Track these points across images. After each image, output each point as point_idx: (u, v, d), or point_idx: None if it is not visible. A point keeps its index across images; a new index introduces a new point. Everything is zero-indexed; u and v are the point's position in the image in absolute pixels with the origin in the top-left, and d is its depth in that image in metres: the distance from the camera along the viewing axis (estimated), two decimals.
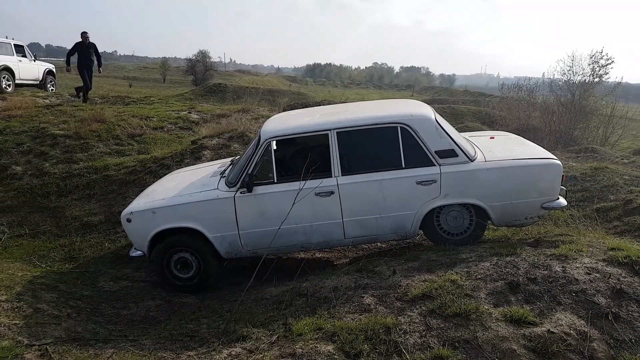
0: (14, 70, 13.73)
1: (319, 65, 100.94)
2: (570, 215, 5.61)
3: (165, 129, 9.58)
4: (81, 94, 12.56)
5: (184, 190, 4.65)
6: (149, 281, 4.89)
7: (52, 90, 15.48)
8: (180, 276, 4.58)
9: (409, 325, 2.90)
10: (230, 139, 8.06)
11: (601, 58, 15.13)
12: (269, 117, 5.25)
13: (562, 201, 4.36)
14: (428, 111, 4.48)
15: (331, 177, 4.29)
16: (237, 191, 4.34)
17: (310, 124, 4.45)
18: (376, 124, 4.29)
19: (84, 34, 11.64)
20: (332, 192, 4.27)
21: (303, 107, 12.25)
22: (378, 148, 4.33)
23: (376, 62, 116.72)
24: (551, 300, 3.05)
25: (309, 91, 37.77)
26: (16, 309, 3.79)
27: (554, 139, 13.97)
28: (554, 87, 16.35)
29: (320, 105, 7.33)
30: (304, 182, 4.16)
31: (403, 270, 3.73)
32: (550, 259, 3.52)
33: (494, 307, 3.02)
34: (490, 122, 16.59)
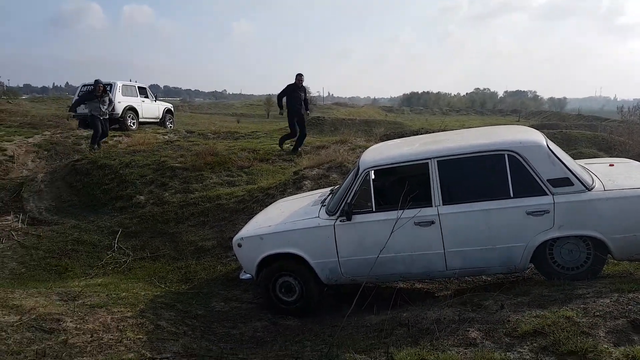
0: (137, 109, 15.28)
1: (415, 93, 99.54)
2: None
3: (270, 161, 10.08)
4: (287, 143, 10.92)
5: (288, 218, 4.86)
6: (256, 303, 5.13)
7: (170, 127, 16.99)
8: (284, 299, 4.75)
9: None
10: (329, 169, 8.28)
11: None
12: (366, 147, 5.35)
13: None
14: (538, 137, 4.29)
15: (432, 206, 4.24)
16: (337, 219, 4.44)
17: (410, 153, 4.47)
18: (481, 152, 4.19)
19: (299, 76, 10.13)
20: (433, 222, 4.20)
21: (399, 137, 12.26)
22: (483, 177, 4.22)
23: (478, 88, 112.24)
24: None
25: (405, 120, 37.57)
26: (140, 325, 4.15)
27: None
28: None
29: (417, 135, 7.28)
30: (402, 211, 4.14)
31: (512, 305, 3.55)
32: None
33: (614, 346, 2.76)
34: (607, 148, 15.26)
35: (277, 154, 10.44)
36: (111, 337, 3.82)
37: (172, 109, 17.89)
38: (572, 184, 3.99)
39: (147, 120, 15.95)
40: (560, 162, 4.05)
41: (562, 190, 3.99)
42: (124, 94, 14.76)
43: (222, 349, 3.97)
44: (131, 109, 14.96)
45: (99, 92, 11.18)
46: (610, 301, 3.25)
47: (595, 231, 3.96)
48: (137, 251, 6.99)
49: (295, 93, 10.05)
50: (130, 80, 16.13)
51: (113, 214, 8.33)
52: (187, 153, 10.33)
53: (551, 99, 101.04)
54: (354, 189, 4.43)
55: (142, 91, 15.94)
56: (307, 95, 10.32)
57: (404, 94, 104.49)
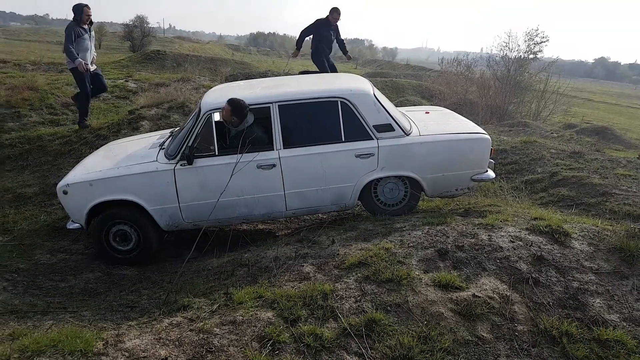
0: None
1: (262, 34, 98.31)
2: (500, 187, 5.96)
3: (102, 98, 9.19)
4: None
5: (122, 162, 4.54)
6: (87, 254, 4.80)
7: None
8: (119, 249, 4.52)
9: (345, 291, 3.05)
10: (170, 110, 7.87)
11: (536, 35, 15.85)
12: (210, 88, 5.17)
13: (491, 174, 4.64)
14: (367, 86, 4.58)
15: (273, 150, 4.33)
16: (177, 163, 4.29)
17: (252, 96, 4.44)
18: (317, 98, 4.35)
19: (334, 12, 8.21)
20: (274, 165, 4.31)
21: (246, 78, 12.07)
22: (319, 122, 4.40)
23: None
24: (477, 267, 3.28)
25: (253, 61, 36.96)
26: None
27: (489, 113, 14.59)
28: (491, 62, 16.99)
29: (264, 78, 7.26)
30: (244, 154, 4.17)
31: (341, 240, 3.88)
32: (478, 228, 3.76)
33: (424, 273, 3.22)
34: (429, 96, 17.02)
35: (109, 90, 9.54)
36: None
37: None
38: (394, 130, 4.40)
39: None
40: (384, 110, 4.42)
41: (385, 135, 4.38)
42: None
43: (48, 303, 3.67)
44: None
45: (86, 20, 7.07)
46: (422, 233, 3.74)
47: (411, 172, 4.46)
48: None
49: (326, 32, 8.27)
50: None
51: None
52: (0, 87, 8.88)
53: (384, 49, 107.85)
54: (196, 132, 4.30)
55: None
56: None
57: (250, 33, 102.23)
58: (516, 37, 16.56)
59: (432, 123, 4.84)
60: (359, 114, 4.34)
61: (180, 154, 4.29)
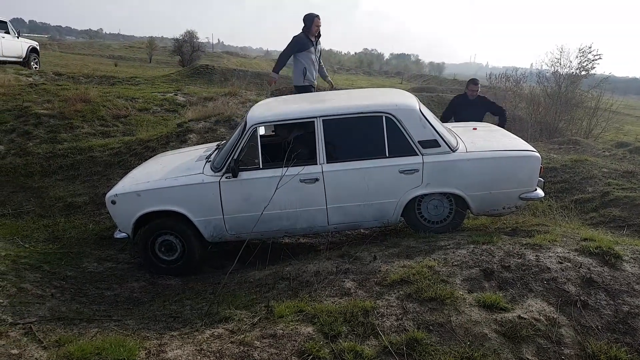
0: None
1: None
2: (549, 206, 5.75)
3: (151, 111, 9.53)
4: None
5: (169, 173, 4.66)
6: (133, 263, 4.93)
7: (35, 68, 15.23)
8: (164, 259, 4.61)
9: (387, 308, 3.00)
10: (217, 123, 8.05)
11: (589, 52, 15.33)
12: (257, 102, 5.26)
13: (540, 192, 4.48)
14: (412, 101, 4.54)
15: (316, 164, 4.34)
16: (222, 176, 4.36)
17: (297, 110, 4.48)
18: (362, 113, 4.34)
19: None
20: (317, 179, 4.32)
21: (291, 92, 12.17)
22: (363, 137, 4.39)
23: (366, 48, 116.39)
24: (523, 287, 3.17)
25: None
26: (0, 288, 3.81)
27: (538, 130, 14.16)
28: (541, 78, 16.51)
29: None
30: (288, 168, 4.20)
31: (383, 256, 3.83)
32: (525, 248, 3.64)
33: (468, 292, 3.13)
34: None
35: (158, 103, 9.88)
36: None
37: (38, 47, 16.02)
38: (439, 146, 4.32)
39: (8, 59, 14.15)
40: (430, 125, 4.36)
41: (431, 151, 4.31)
42: None
43: (94, 311, 3.77)
44: None
45: None
46: (467, 252, 3.65)
47: (457, 189, 4.36)
48: None
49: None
50: None
51: None
52: (55, 98, 9.35)
53: (431, 64, 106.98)
54: (241, 145, 4.37)
55: (2, 25, 14.05)
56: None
57: None
58: (568, 53, 15.96)
59: (480, 139, 4.74)
60: (404, 129, 4.30)
61: (225, 167, 4.36)
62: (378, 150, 4.33)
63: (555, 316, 2.90)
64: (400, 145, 4.31)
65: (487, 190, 4.37)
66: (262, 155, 4.38)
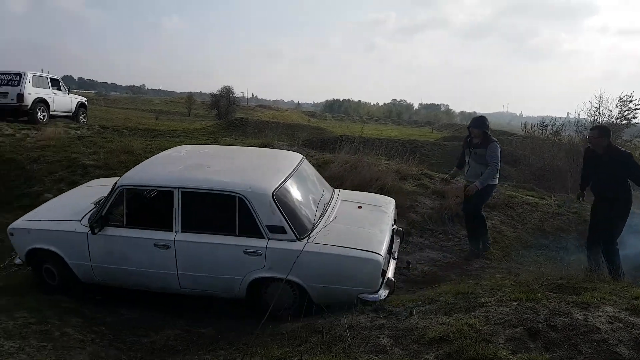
0: (49, 102, 14.36)
1: (337, 100, 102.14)
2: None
3: None
4: None
5: (60, 214, 5.07)
6: (167, 310, 4.95)
7: (83, 122, 16.09)
8: (49, 282, 5.05)
9: None
10: None
11: (630, 102, 15.03)
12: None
13: (382, 294, 4.26)
14: (270, 184, 4.49)
15: (171, 231, 4.50)
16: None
17: (161, 178, 4.71)
18: (217, 190, 4.46)
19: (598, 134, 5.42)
20: (169, 247, 4.48)
21: (321, 142, 12.33)
22: (218, 212, 4.50)
23: (395, 99, 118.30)
24: (571, 349, 2.99)
25: (328, 126, 38.18)
26: (44, 332, 3.97)
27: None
28: (580, 127, 16.16)
29: (339, 138, 7.38)
30: (146, 231, 4.53)
31: (420, 312, 3.71)
32: (572, 306, 3.45)
33: (513, 353, 2.97)
34: (513, 161, 16.42)
35: None
36: (13, 344, 3.65)
37: (86, 102, 17.00)
38: (285, 232, 4.33)
39: (59, 113, 15.05)
40: (279, 212, 4.34)
41: (276, 236, 4.34)
42: (34, 85, 13.91)
43: (131, 357, 3.82)
44: (42, 101, 14.08)
45: None
46: (510, 309, 3.48)
47: (297, 277, 4.28)
48: None
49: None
50: (43, 71, 15.09)
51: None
52: (100, 150, 9.77)
53: (462, 113, 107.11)
54: (109, 203, 4.65)
55: (55, 83, 15.04)
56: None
57: (326, 100, 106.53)
58: (607, 103, 15.67)
59: (341, 226, 4.65)
60: (254, 212, 4.34)
61: (95, 221, 4.64)
62: (229, 228, 4.41)
63: None
64: (249, 226, 4.36)
65: (325, 284, 4.32)
66: (127, 213, 4.61)
